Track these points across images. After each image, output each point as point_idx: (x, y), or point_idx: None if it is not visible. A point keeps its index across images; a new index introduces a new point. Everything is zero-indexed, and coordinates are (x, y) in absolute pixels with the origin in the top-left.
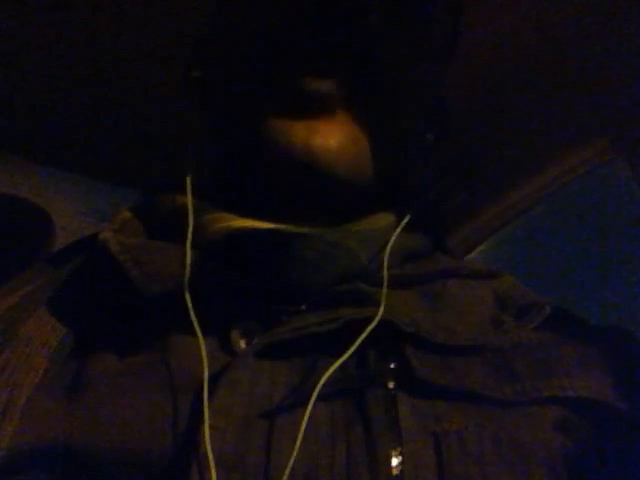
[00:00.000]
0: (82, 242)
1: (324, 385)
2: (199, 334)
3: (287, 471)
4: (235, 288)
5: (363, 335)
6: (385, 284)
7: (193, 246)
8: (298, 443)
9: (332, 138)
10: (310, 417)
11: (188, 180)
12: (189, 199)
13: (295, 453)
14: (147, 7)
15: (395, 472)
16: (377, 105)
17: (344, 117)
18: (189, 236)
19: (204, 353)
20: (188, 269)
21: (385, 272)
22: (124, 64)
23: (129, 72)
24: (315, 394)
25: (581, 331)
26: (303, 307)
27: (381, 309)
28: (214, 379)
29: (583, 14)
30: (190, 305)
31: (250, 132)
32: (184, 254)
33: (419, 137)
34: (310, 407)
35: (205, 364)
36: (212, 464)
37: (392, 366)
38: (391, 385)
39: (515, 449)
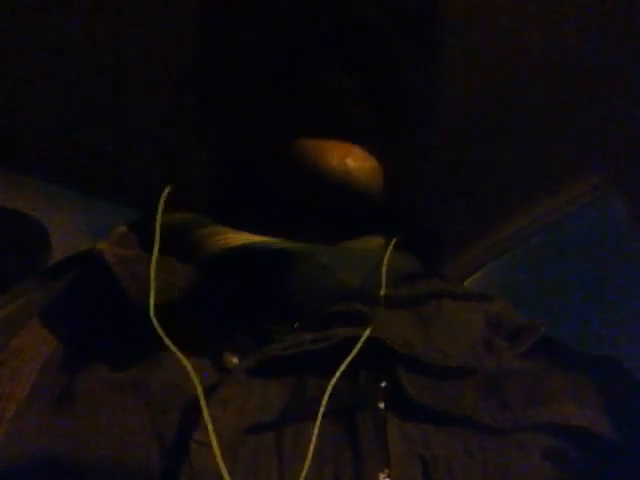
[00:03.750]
0: (77, 256)
1: (313, 405)
2: (178, 353)
3: None
4: (229, 304)
5: (353, 352)
6: (382, 304)
7: (188, 261)
8: (307, 463)
9: (366, 161)
10: (298, 436)
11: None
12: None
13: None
14: (147, 7)
15: None
16: (402, 132)
17: (372, 142)
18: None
19: (190, 369)
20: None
21: (382, 292)
22: (124, 64)
23: (129, 72)
24: (318, 423)
25: (573, 360)
26: (296, 325)
27: (370, 327)
28: (205, 396)
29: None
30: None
31: (276, 151)
32: (178, 269)
33: (435, 163)
34: (316, 430)
35: (196, 381)
36: None
37: (383, 386)
38: (381, 405)
39: (503, 477)
